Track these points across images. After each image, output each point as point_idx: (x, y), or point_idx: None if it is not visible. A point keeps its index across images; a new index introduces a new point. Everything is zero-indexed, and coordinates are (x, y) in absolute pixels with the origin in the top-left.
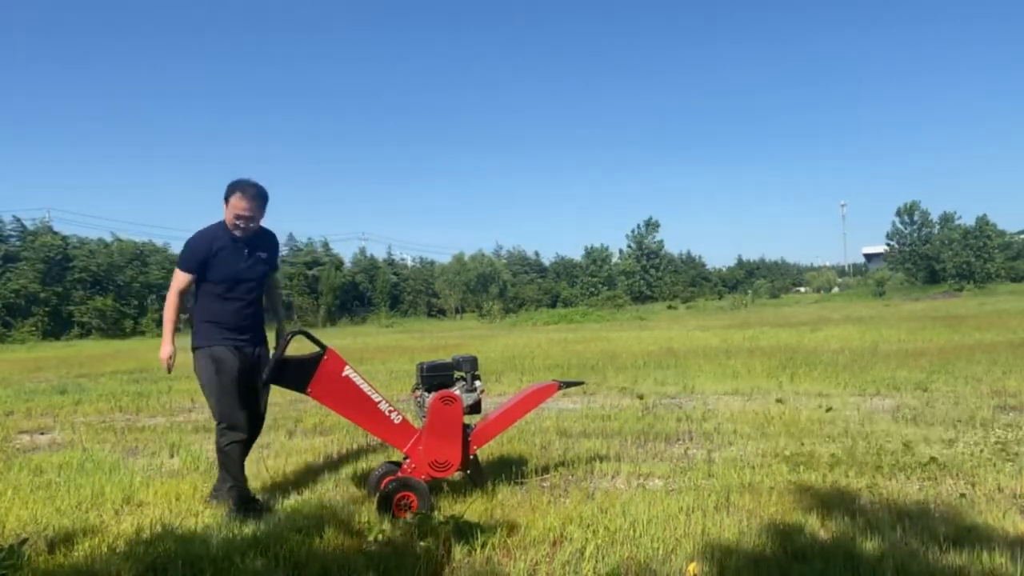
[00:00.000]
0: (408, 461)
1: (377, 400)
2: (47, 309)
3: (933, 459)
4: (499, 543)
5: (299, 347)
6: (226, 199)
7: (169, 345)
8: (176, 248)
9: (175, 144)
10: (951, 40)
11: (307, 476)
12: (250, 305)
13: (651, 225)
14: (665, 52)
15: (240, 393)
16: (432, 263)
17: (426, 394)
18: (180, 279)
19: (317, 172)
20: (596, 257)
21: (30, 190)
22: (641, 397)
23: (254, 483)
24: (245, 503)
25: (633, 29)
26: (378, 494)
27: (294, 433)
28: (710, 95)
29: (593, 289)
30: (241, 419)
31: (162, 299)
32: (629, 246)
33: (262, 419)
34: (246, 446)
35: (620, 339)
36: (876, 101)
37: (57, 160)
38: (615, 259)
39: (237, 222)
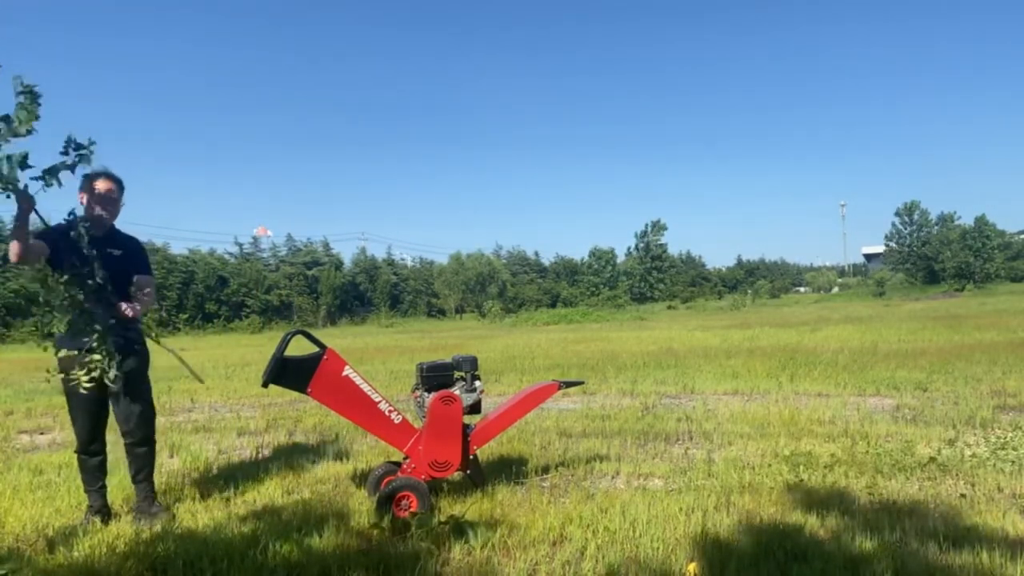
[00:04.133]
0: (408, 461)
1: (377, 400)
2: (47, 309)
3: (933, 459)
4: (499, 543)
5: (299, 347)
6: (83, 188)
7: None
8: (176, 248)
9: (174, 143)
10: (951, 39)
11: (306, 476)
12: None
13: (658, 227)
14: (664, 51)
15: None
16: (432, 263)
17: (426, 394)
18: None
19: (317, 172)
20: (601, 257)
21: (29, 190)
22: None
23: (255, 483)
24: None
25: (632, 28)
26: (378, 494)
27: (294, 433)
28: (710, 94)
29: (594, 289)
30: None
31: (162, 299)
32: (637, 247)
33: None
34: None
35: (620, 339)
36: (876, 101)
37: (56, 159)
38: (619, 259)
39: (105, 205)
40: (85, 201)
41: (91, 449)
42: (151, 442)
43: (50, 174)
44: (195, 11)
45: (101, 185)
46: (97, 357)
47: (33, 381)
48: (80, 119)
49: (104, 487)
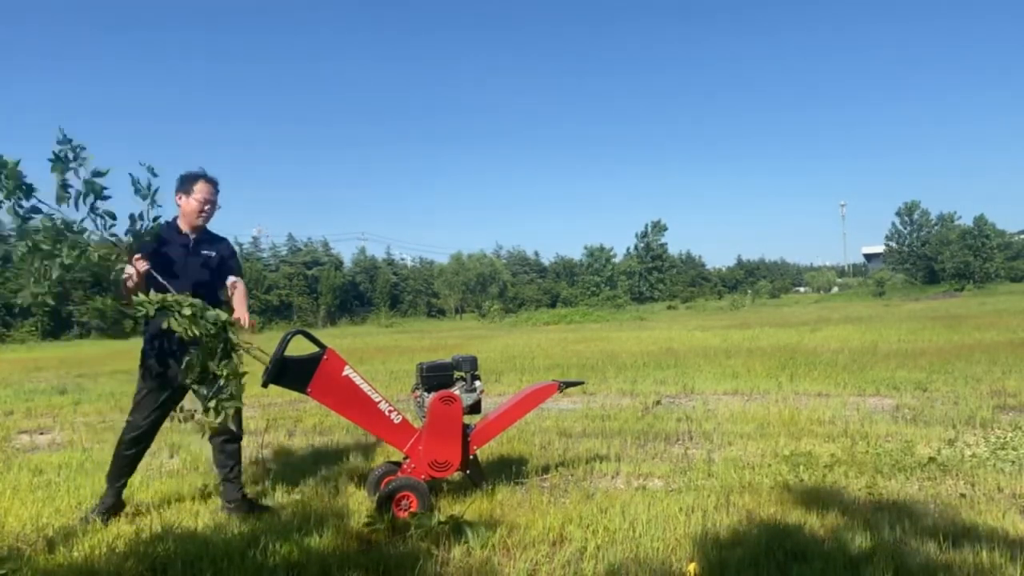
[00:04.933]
0: (408, 461)
1: (377, 400)
2: (47, 309)
3: (933, 459)
4: (499, 543)
5: (299, 347)
6: (187, 190)
7: None
8: None
9: (173, 143)
10: (951, 39)
11: (307, 476)
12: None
13: (658, 227)
14: (664, 51)
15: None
16: (432, 263)
17: (426, 394)
18: None
19: (317, 172)
20: (598, 256)
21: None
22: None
23: (254, 483)
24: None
25: (632, 29)
26: (378, 494)
27: (294, 433)
28: (710, 94)
29: (594, 289)
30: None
31: None
32: (637, 247)
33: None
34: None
35: (620, 339)
36: (876, 101)
37: None
38: (617, 259)
39: (205, 208)
40: (182, 202)
41: (140, 438)
42: (240, 438)
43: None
44: (195, 10)
45: (201, 187)
46: (226, 398)
47: (33, 381)
48: (77, 118)
49: (125, 485)
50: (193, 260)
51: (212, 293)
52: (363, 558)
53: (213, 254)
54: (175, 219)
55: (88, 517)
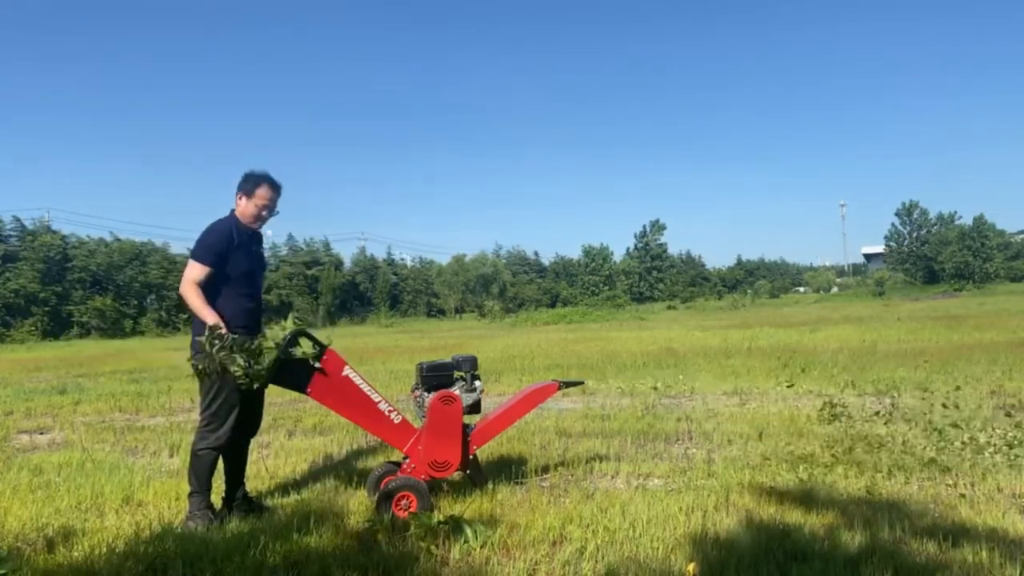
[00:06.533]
0: (408, 461)
1: (377, 400)
2: (47, 309)
3: (933, 459)
4: (499, 543)
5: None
6: (249, 192)
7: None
8: (176, 248)
9: (174, 143)
10: (951, 39)
11: (307, 476)
12: (257, 300)
13: (657, 227)
14: (663, 51)
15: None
16: (432, 263)
17: (426, 394)
18: (198, 271)
19: (317, 172)
20: (595, 256)
21: (29, 190)
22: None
23: (255, 483)
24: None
25: (632, 28)
26: (378, 494)
27: (294, 433)
28: (710, 94)
29: (594, 288)
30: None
31: (162, 299)
32: (636, 247)
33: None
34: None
35: (620, 339)
36: (876, 100)
37: (56, 160)
38: (616, 258)
39: (263, 214)
40: (242, 203)
41: (227, 444)
42: (255, 432)
43: None
44: (194, 10)
45: (263, 192)
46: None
47: (33, 381)
48: (78, 118)
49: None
50: (254, 254)
51: (260, 285)
52: (363, 558)
53: (260, 249)
54: (233, 213)
55: (209, 519)
